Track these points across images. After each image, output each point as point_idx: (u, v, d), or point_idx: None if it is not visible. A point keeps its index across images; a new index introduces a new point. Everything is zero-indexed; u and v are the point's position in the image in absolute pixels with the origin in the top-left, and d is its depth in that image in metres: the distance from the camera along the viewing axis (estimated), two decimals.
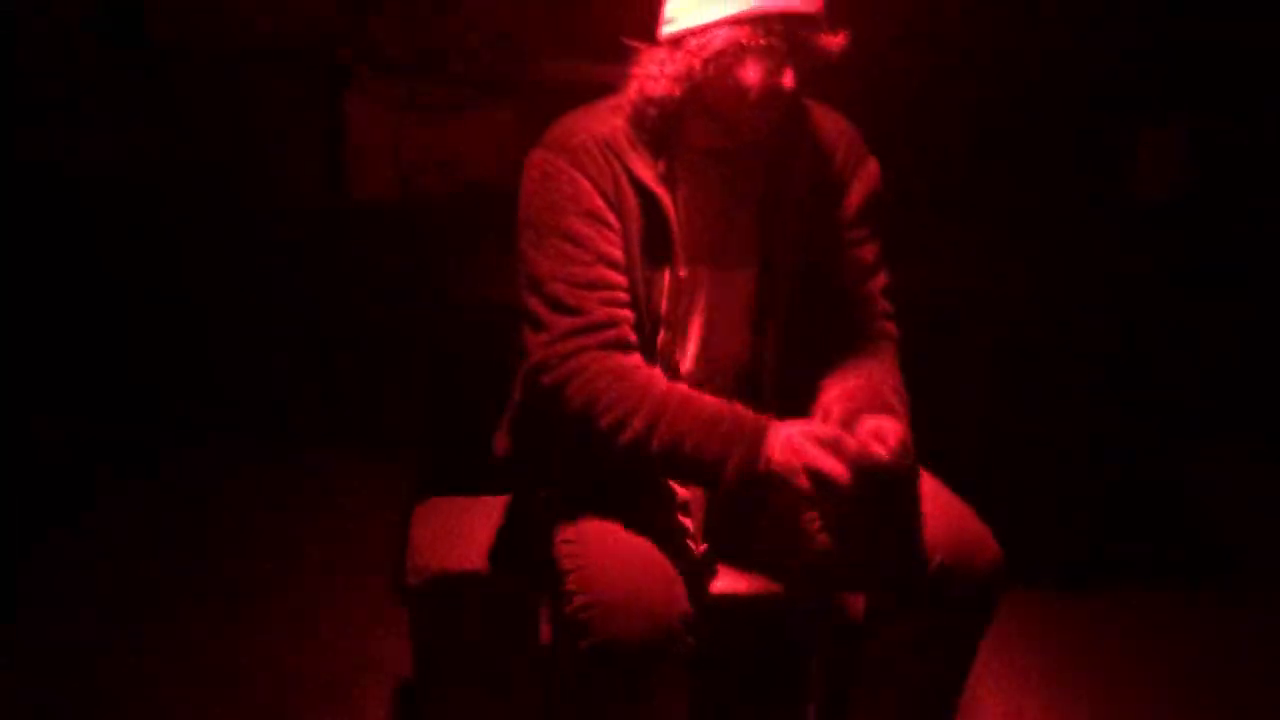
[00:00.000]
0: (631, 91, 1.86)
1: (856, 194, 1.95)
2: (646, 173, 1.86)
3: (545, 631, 2.18)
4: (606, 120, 1.89)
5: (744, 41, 1.74)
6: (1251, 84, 3.44)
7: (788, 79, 1.76)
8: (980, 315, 3.14)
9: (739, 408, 1.81)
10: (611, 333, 1.83)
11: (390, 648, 2.60)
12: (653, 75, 1.81)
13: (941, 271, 3.03)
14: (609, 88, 3.26)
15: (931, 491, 1.99)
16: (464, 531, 2.25)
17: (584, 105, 1.95)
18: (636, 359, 1.85)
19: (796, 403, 1.93)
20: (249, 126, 3.43)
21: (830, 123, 1.97)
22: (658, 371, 1.86)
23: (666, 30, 1.83)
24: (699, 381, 1.94)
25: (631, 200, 1.86)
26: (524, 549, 2.08)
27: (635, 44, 1.87)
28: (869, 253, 1.98)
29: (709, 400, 1.81)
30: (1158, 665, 2.74)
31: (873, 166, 1.98)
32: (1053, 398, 3.13)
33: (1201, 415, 3.56)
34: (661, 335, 1.91)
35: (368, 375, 3.47)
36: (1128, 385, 3.19)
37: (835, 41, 1.79)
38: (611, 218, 1.85)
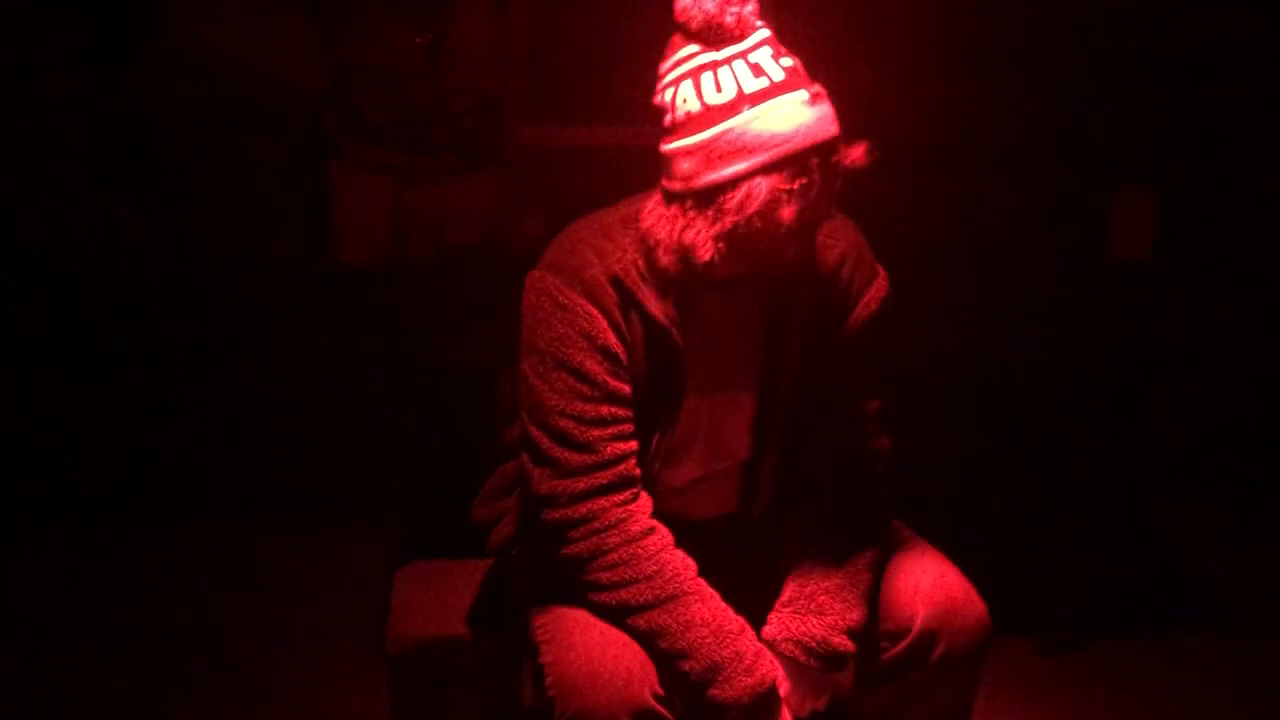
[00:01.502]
0: (653, 241, 1.76)
1: (859, 316, 1.90)
2: (658, 308, 1.81)
3: (528, 694, 2.15)
4: (617, 247, 1.81)
5: (784, 187, 1.67)
6: (1223, 146, 3.48)
7: (824, 207, 1.73)
8: (960, 374, 3.16)
9: (741, 643, 1.78)
10: (620, 468, 1.80)
11: (372, 714, 2.56)
12: (689, 241, 1.72)
13: (921, 331, 3.04)
14: (588, 152, 3.33)
15: (915, 549, 1.99)
16: (445, 596, 2.23)
17: (590, 218, 1.88)
18: (646, 510, 1.83)
19: (792, 501, 1.94)
20: (234, 194, 3.44)
21: (837, 237, 1.89)
22: (666, 538, 1.82)
23: (682, 188, 1.73)
24: (699, 483, 1.94)
25: (642, 333, 1.82)
26: (505, 614, 2.06)
27: (649, 203, 1.79)
28: (869, 375, 1.94)
29: (714, 613, 1.79)
30: (1145, 717, 2.73)
31: (879, 284, 1.92)
32: (1032, 454, 3.14)
33: (1178, 469, 3.58)
34: (659, 457, 1.89)
35: (350, 439, 3.46)
36: (1106, 440, 3.20)
37: (858, 154, 1.73)
38: (622, 352, 1.81)
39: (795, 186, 1.68)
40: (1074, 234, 3.41)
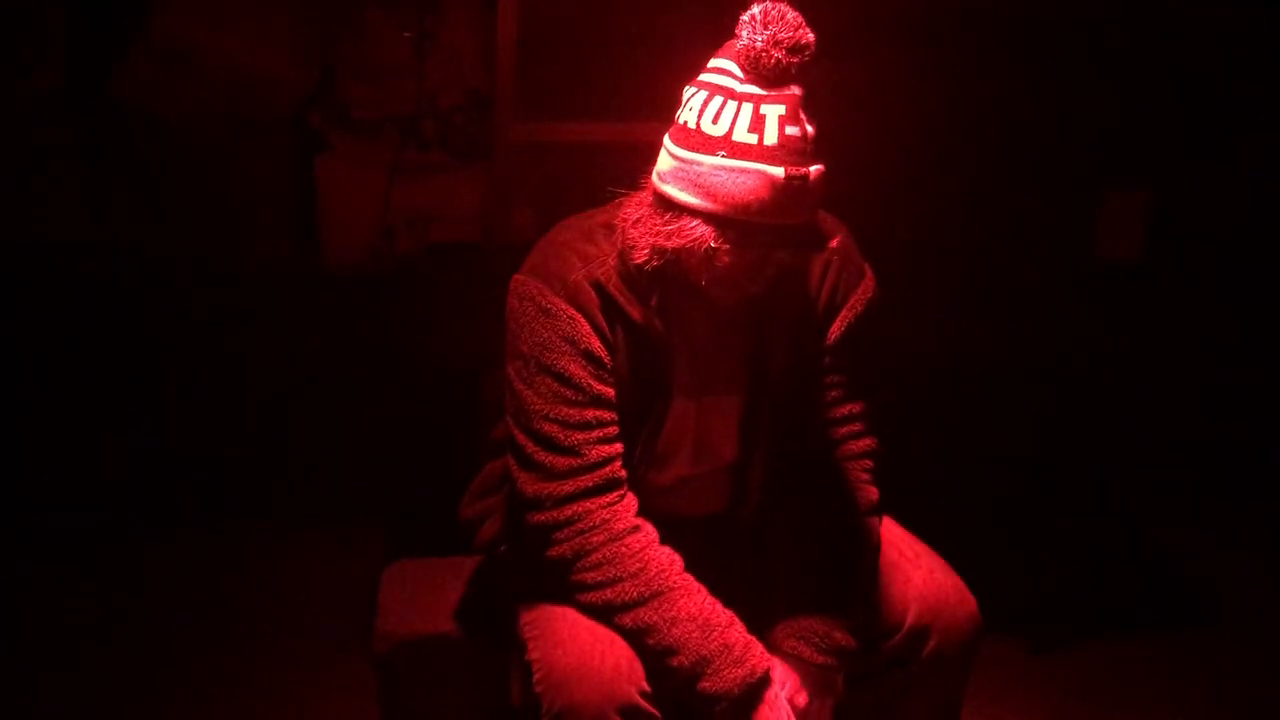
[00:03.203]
0: (617, 236, 1.79)
1: (846, 317, 1.90)
2: (640, 311, 1.82)
3: (516, 691, 2.15)
4: (600, 252, 1.82)
5: (713, 244, 1.67)
6: (1214, 147, 3.49)
7: (759, 285, 1.72)
8: (949, 373, 3.17)
9: (729, 635, 1.78)
10: (605, 471, 1.81)
11: (360, 712, 2.56)
12: (632, 237, 1.74)
13: (910, 330, 3.03)
14: (578, 147, 3.32)
15: (905, 546, 1.99)
16: (433, 594, 2.23)
17: (574, 220, 1.89)
18: (631, 510, 1.82)
19: (781, 500, 1.94)
20: (219, 191, 3.41)
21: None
22: (651, 535, 1.82)
23: (656, 182, 1.74)
24: (686, 482, 1.94)
25: (625, 336, 1.83)
26: (492, 611, 2.06)
27: (623, 191, 1.80)
28: (856, 375, 1.93)
29: (700, 607, 1.78)
30: (1134, 716, 2.73)
31: (867, 284, 1.92)
32: (1022, 453, 3.15)
33: (1168, 469, 3.59)
34: (648, 460, 1.89)
35: (337, 437, 3.44)
36: (1096, 440, 3.21)
37: (820, 247, 1.73)
38: (606, 356, 1.81)
39: (728, 246, 1.66)
40: (1064, 234, 3.41)
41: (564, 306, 1.79)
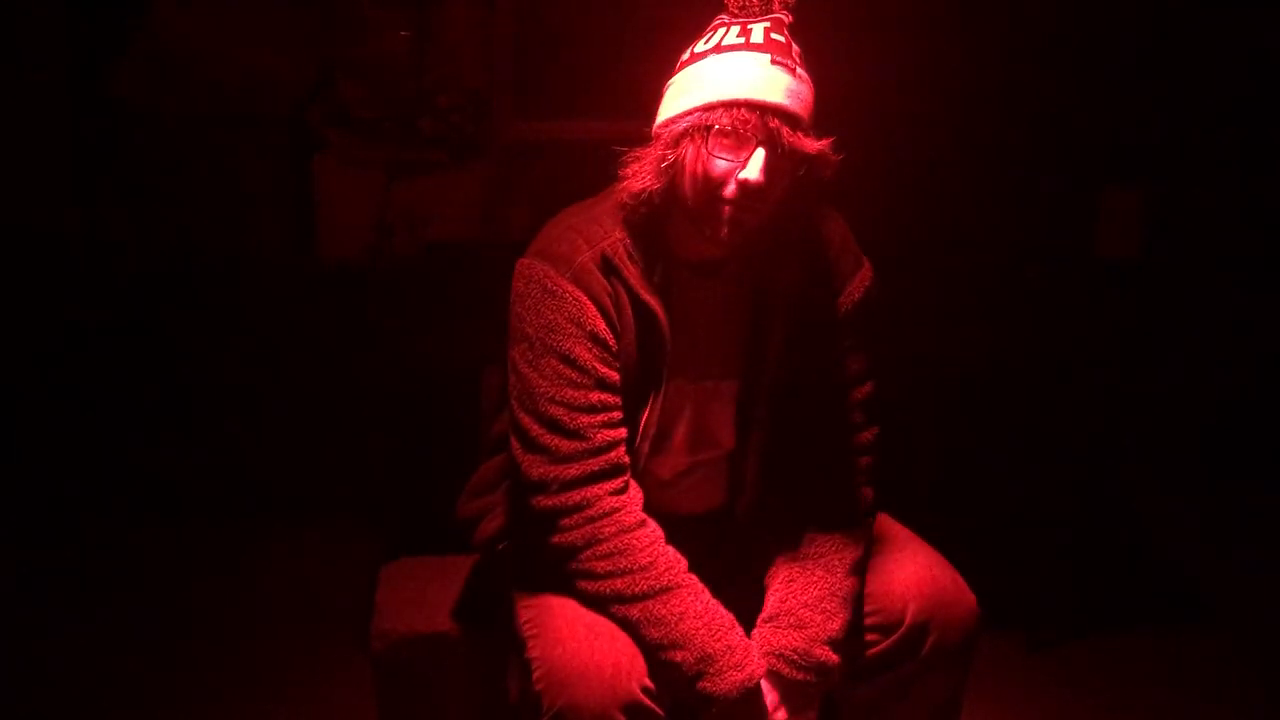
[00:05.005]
0: (621, 192, 1.81)
1: (844, 306, 1.90)
2: (644, 289, 1.82)
3: (515, 689, 2.15)
4: (604, 230, 1.83)
5: (707, 123, 1.71)
6: (1211, 145, 3.49)
7: (755, 169, 1.70)
8: (948, 370, 3.17)
9: (732, 637, 1.78)
10: (610, 455, 1.80)
11: (358, 710, 2.56)
12: (634, 171, 1.77)
13: (907, 327, 3.04)
14: (576, 146, 3.32)
15: (903, 542, 1.99)
16: (430, 592, 2.23)
17: (578, 206, 1.90)
18: (638, 504, 1.83)
19: (777, 491, 1.94)
20: (218, 189, 3.42)
21: (822, 230, 1.90)
22: (658, 532, 1.82)
23: (655, 120, 1.80)
24: (685, 475, 1.94)
25: (629, 315, 1.83)
26: (490, 609, 2.05)
27: (624, 149, 1.82)
28: (853, 364, 1.92)
29: (706, 606, 1.78)
30: (1132, 712, 2.73)
31: (864, 273, 1.92)
32: (1019, 450, 3.15)
33: (1165, 466, 3.59)
34: (646, 444, 1.89)
35: (334, 436, 3.44)
36: (1093, 437, 3.22)
37: (814, 144, 1.72)
38: (610, 339, 1.81)
39: (720, 125, 1.71)
40: (1063, 232, 3.41)
41: (570, 288, 1.80)
